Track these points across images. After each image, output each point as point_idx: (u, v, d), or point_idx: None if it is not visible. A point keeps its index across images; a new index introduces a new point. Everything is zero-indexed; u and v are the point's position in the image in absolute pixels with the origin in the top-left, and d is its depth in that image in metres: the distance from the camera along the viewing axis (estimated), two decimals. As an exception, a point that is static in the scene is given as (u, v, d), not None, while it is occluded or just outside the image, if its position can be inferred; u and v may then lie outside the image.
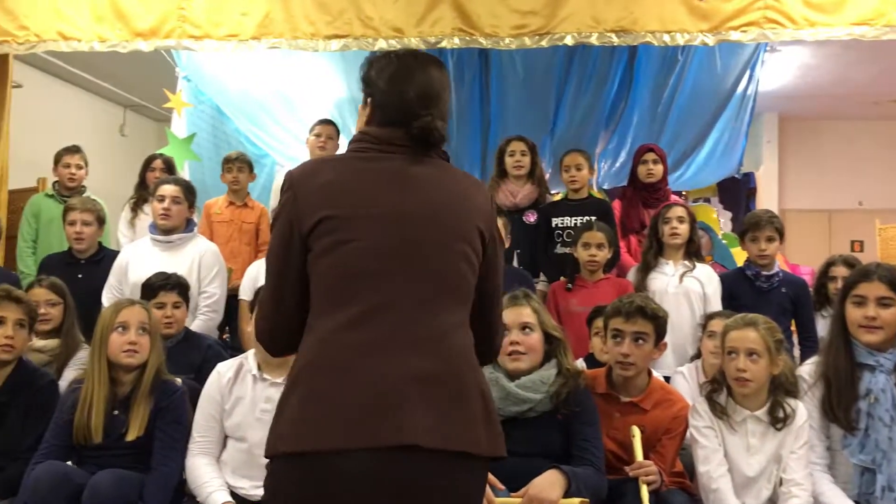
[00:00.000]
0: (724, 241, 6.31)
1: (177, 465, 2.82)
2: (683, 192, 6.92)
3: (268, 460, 1.63)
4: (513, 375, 2.64)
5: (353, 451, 1.52)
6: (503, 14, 4.36)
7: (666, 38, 4.27)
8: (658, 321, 2.84)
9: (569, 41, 4.35)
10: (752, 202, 8.29)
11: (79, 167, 4.89)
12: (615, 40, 4.33)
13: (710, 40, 4.28)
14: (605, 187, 6.68)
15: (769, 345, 2.64)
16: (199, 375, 3.26)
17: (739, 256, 5.75)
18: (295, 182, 1.69)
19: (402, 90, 1.73)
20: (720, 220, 7.46)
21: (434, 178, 1.73)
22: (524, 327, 2.68)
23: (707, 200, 7.93)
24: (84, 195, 4.64)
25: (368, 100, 1.79)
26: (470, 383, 1.65)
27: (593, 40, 4.33)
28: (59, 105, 7.69)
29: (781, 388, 2.69)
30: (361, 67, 1.84)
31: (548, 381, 2.64)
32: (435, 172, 1.74)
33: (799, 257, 7.44)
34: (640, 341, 2.80)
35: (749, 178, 8.31)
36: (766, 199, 8.77)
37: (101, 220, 4.24)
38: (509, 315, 2.69)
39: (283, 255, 1.68)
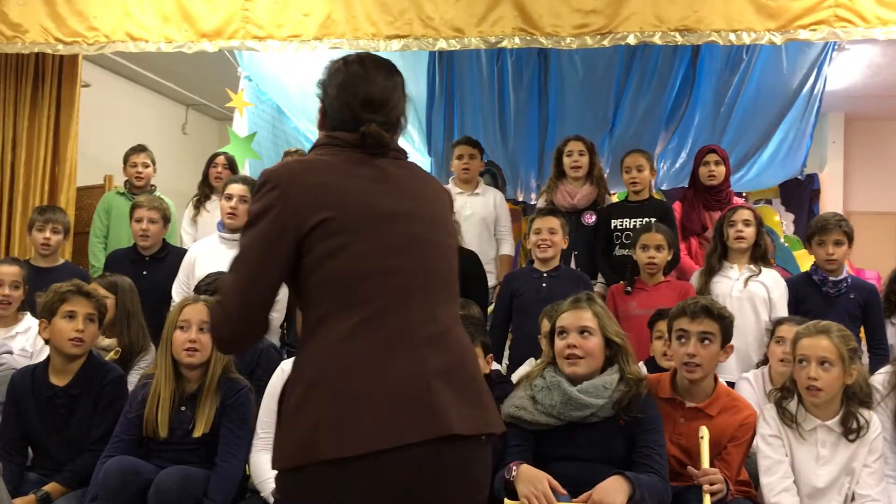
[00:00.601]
0: (786, 244, 6.17)
1: (240, 462, 2.85)
2: (745, 194, 6.79)
3: (280, 471, 1.61)
4: (573, 380, 2.62)
5: (400, 449, 1.54)
6: (564, 13, 4.32)
7: (732, 37, 4.18)
8: (724, 321, 2.77)
9: (631, 41, 4.28)
10: (815, 204, 8.08)
11: (145, 165, 4.98)
12: (679, 39, 4.25)
13: (778, 39, 4.18)
14: (665, 188, 6.59)
15: (842, 353, 2.57)
16: (251, 380, 3.16)
17: (802, 260, 5.61)
18: (282, 181, 1.66)
19: (348, 98, 1.77)
20: (782, 222, 7.29)
21: (411, 178, 1.80)
22: (583, 331, 2.64)
23: (769, 202, 7.75)
24: (153, 194, 4.74)
25: (320, 105, 1.84)
26: (476, 372, 1.74)
27: (656, 39, 4.26)
28: (124, 104, 7.85)
29: (855, 398, 2.62)
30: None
31: (610, 386, 2.60)
32: (408, 173, 1.81)
33: (864, 261, 7.22)
34: (707, 342, 2.73)
35: (812, 179, 8.11)
36: (831, 202, 8.52)
37: (166, 219, 4.32)
38: (568, 318, 2.68)
39: (268, 247, 1.63)
